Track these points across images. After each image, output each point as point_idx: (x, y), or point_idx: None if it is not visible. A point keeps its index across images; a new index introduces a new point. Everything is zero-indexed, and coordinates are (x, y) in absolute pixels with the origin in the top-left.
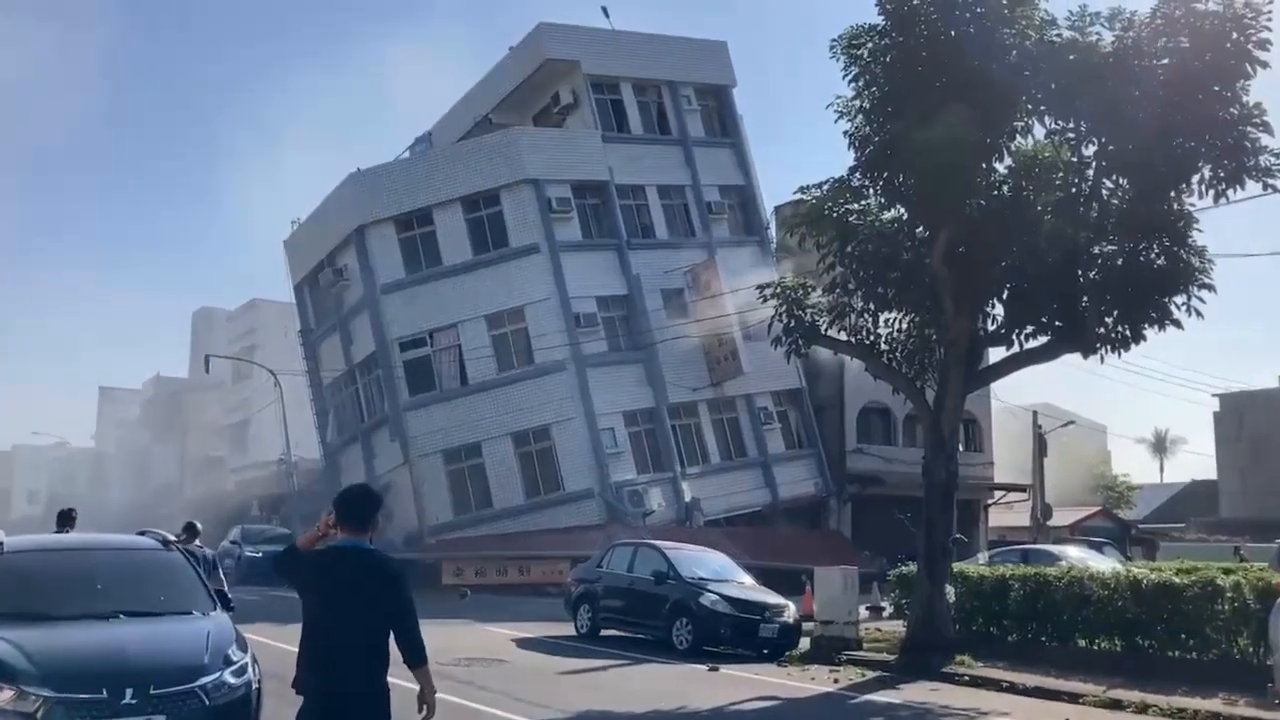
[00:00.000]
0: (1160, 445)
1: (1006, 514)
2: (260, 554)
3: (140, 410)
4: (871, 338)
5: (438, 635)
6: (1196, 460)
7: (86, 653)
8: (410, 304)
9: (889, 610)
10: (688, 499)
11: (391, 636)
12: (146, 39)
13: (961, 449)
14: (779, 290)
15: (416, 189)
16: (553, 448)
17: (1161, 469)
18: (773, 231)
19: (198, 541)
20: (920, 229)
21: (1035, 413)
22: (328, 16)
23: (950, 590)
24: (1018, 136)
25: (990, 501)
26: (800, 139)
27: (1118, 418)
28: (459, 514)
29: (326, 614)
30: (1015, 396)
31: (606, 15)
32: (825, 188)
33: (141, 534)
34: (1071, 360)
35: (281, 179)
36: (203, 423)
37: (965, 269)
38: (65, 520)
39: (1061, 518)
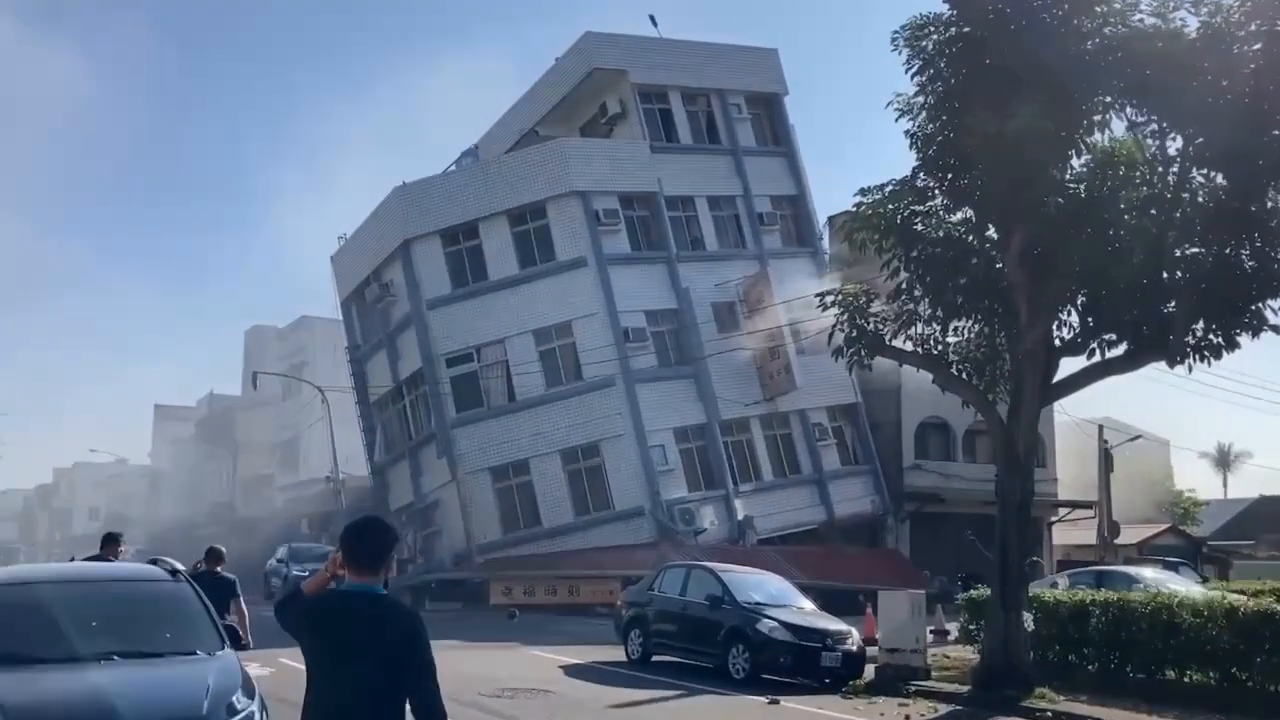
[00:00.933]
0: (1224, 459)
1: (1071, 532)
2: (307, 572)
3: (194, 428)
4: (939, 347)
5: (481, 662)
6: (1264, 474)
7: (67, 703)
8: (457, 319)
9: (954, 635)
10: (740, 517)
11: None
12: (196, 69)
13: None
14: (839, 298)
15: (462, 202)
16: (602, 465)
17: (1225, 484)
18: (826, 243)
19: (220, 568)
20: (991, 231)
21: (1101, 427)
22: (369, 43)
23: (1028, 617)
24: (1095, 131)
25: (1054, 520)
26: (848, 147)
27: (1178, 431)
28: (507, 532)
29: (329, 673)
30: (1074, 409)
31: (654, 23)
32: (887, 190)
33: (153, 562)
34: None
35: (334, 197)
36: (253, 440)
37: (1040, 273)
38: (109, 542)
39: (1128, 535)
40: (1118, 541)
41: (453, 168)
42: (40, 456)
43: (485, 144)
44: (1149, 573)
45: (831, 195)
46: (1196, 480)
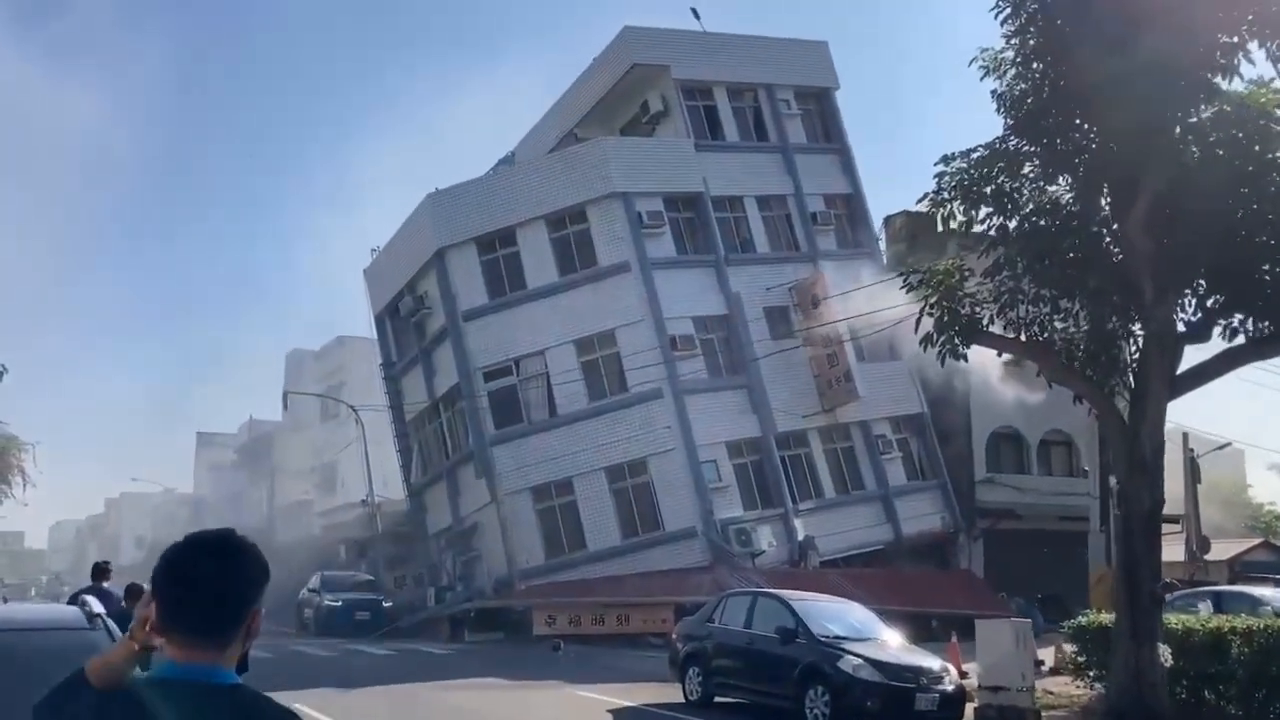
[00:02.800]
0: None
1: None
2: (340, 603)
3: (235, 454)
4: (1046, 333)
5: (519, 706)
6: None
7: None
8: (494, 331)
9: (1047, 665)
10: (801, 537)
11: None
12: (231, 94)
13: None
14: (928, 276)
15: (498, 208)
16: (650, 482)
17: None
18: (882, 244)
19: (106, 584)
20: (1103, 198)
21: (1186, 434)
22: (401, 64)
23: (1164, 650)
24: (1225, 75)
25: None
26: (898, 146)
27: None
28: (551, 556)
29: None
30: None
31: (696, 16)
32: (973, 156)
33: (75, 600)
34: None
35: (370, 216)
36: (291, 465)
37: (1166, 243)
38: (100, 574)
39: (1217, 551)
40: (1207, 557)
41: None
42: (94, 488)
43: (523, 150)
44: (1269, 592)
45: (881, 196)
46: (1266, 492)
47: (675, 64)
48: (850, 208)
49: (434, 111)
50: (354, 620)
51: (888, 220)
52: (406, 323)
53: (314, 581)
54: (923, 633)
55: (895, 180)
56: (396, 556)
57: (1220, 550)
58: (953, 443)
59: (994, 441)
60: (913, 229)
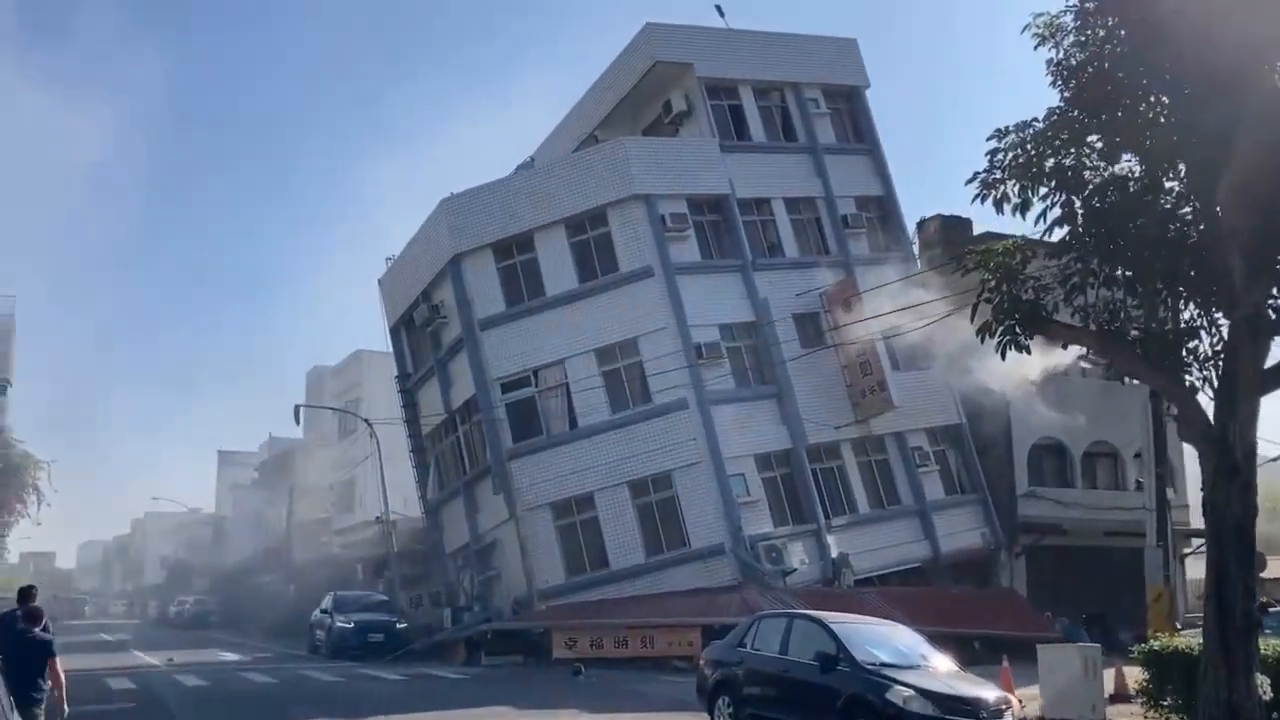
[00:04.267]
0: None
1: (1201, 565)
2: (352, 624)
3: (256, 472)
4: (1118, 322)
5: None
6: None
7: None
8: (511, 340)
9: (1107, 691)
10: (834, 555)
11: None
12: (267, 113)
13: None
14: (986, 254)
15: (515, 212)
16: (675, 497)
17: None
18: (915, 249)
19: (36, 626)
20: (1178, 175)
21: None
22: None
23: (1264, 681)
24: None
25: (1188, 551)
26: (927, 149)
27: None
28: (571, 575)
29: None
30: None
31: (721, 14)
32: (1029, 131)
33: None
34: None
35: (388, 232)
36: (309, 483)
37: (1260, 217)
38: (25, 597)
39: (1274, 568)
40: (1262, 575)
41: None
42: (120, 507)
43: (542, 155)
44: None
45: (912, 200)
46: None
47: (699, 62)
48: (883, 210)
49: (458, 124)
50: (367, 642)
51: (921, 224)
52: (422, 333)
53: (326, 602)
54: (965, 656)
55: (926, 183)
56: (413, 576)
57: (1277, 567)
58: (992, 455)
59: (1036, 453)
60: (946, 233)
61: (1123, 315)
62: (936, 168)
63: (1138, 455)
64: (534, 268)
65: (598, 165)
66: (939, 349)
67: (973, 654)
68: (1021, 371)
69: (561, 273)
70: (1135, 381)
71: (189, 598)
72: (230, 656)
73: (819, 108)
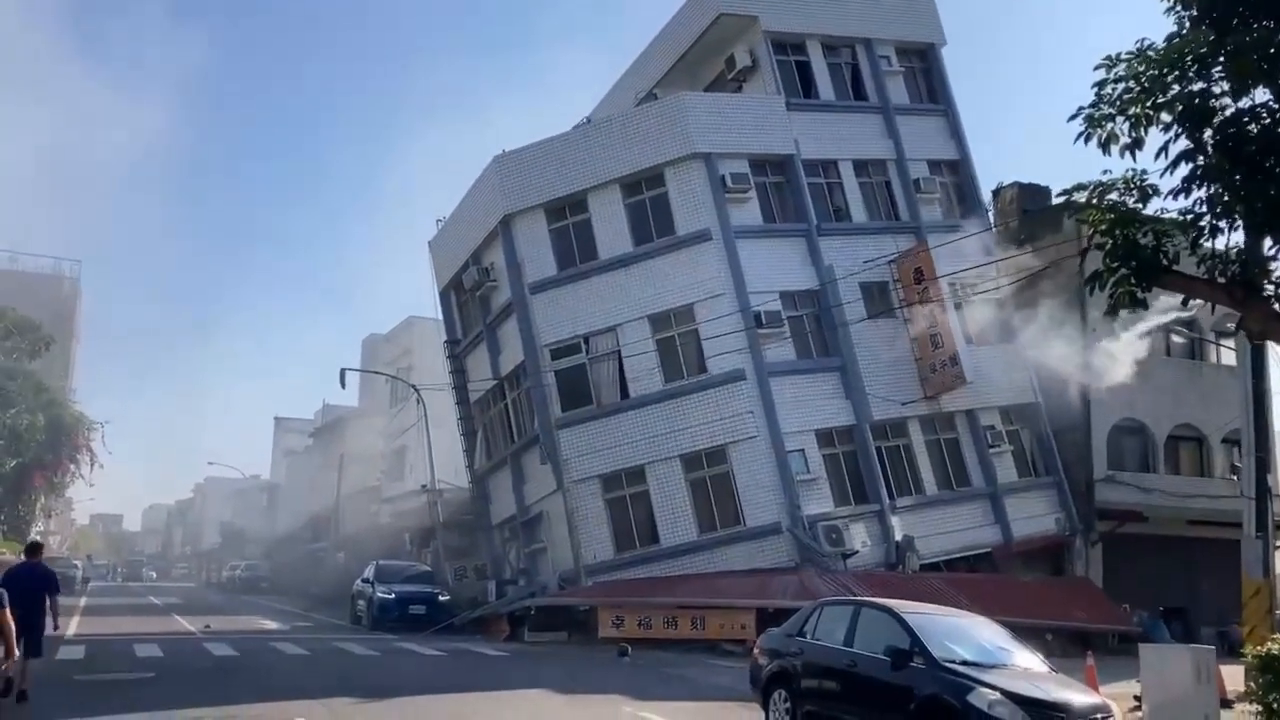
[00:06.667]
0: None
1: None
2: (393, 595)
3: (310, 439)
4: (1251, 272)
5: None
6: None
7: None
8: (562, 304)
9: None
10: (898, 538)
11: None
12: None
13: (1233, 478)
14: (1098, 191)
15: (568, 171)
16: (730, 472)
17: None
18: (991, 217)
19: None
20: None
21: None
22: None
23: None
24: None
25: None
26: (998, 115)
27: None
28: (620, 551)
29: None
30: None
31: None
32: (1150, 52)
33: None
34: None
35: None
36: (361, 450)
37: None
38: (34, 551)
39: None
40: None
41: None
42: (187, 471)
43: (599, 114)
44: None
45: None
46: None
47: (765, 15)
48: (957, 175)
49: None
50: (408, 614)
51: (997, 192)
52: (472, 297)
53: (368, 571)
54: (1038, 649)
55: (1003, 149)
56: (460, 547)
57: None
58: (1069, 437)
59: (1115, 436)
60: (1023, 201)
61: (1257, 268)
62: (1012, 134)
63: (1225, 440)
64: (587, 229)
65: (655, 122)
66: (1022, 321)
67: (1045, 647)
68: (1134, 349)
69: (615, 235)
70: (1226, 361)
71: (241, 563)
72: (270, 625)
73: (891, 65)
